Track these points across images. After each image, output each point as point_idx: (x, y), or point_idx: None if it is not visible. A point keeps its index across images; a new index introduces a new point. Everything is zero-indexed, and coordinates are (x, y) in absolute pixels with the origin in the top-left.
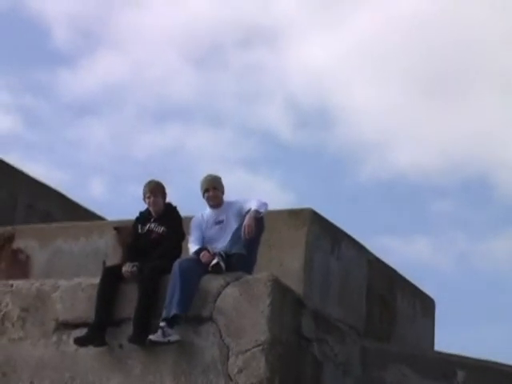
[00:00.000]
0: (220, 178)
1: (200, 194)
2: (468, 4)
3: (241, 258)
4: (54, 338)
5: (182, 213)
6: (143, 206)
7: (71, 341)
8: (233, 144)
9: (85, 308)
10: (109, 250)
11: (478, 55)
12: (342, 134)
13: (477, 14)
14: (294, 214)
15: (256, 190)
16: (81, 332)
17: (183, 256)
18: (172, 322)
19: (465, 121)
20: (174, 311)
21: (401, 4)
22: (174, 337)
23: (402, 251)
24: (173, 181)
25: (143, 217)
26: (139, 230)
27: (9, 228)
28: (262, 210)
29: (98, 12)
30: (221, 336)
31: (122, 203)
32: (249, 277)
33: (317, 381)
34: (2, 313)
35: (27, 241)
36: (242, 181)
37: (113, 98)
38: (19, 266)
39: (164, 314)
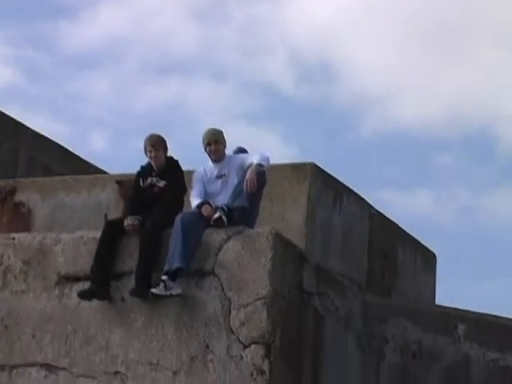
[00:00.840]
0: (222, 132)
1: (202, 147)
2: None
3: (243, 211)
4: (56, 292)
5: (184, 167)
6: (145, 160)
7: (73, 294)
8: (235, 97)
9: (87, 261)
10: (111, 203)
11: (483, 7)
12: (345, 87)
13: None
14: (296, 168)
15: (258, 144)
16: (83, 285)
17: (185, 210)
18: (174, 275)
19: (468, 73)
20: (176, 264)
21: None
22: (176, 290)
23: (404, 204)
24: (175, 134)
25: (145, 171)
26: (141, 184)
27: (10, 181)
28: (264, 164)
29: None
30: (223, 289)
31: (123, 157)
32: (251, 231)
33: (318, 334)
34: (4, 265)
35: (29, 194)
36: (244, 134)
37: (114, 51)
38: (21, 219)
39: (166, 268)
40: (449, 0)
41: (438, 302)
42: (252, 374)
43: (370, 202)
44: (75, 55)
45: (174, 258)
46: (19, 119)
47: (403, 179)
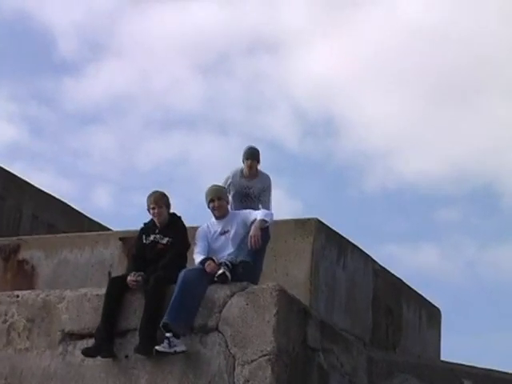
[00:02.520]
0: (225, 188)
1: (205, 203)
2: (477, 15)
3: (247, 266)
4: (60, 349)
5: (188, 222)
6: (148, 217)
7: (77, 351)
8: (239, 153)
9: (91, 318)
10: (114, 260)
11: (488, 65)
12: (349, 143)
13: (486, 24)
14: (300, 224)
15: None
16: (87, 343)
17: (189, 266)
18: (177, 331)
19: (472, 130)
20: (164, 320)
21: (407, 13)
22: (180, 347)
23: (409, 259)
24: (178, 190)
25: (148, 227)
26: (144, 241)
27: (14, 239)
28: (267, 220)
29: (103, 22)
30: (227, 346)
31: (127, 213)
32: (255, 287)
33: None
34: (8, 323)
35: (33, 251)
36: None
37: (118, 107)
38: (25, 277)
39: (165, 323)
40: (454, 58)
41: (443, 357)
42: None
43: (374, 258)
44: (79, 111)
45: (167, 316)
46: (23, 176)
47: (408, 233)
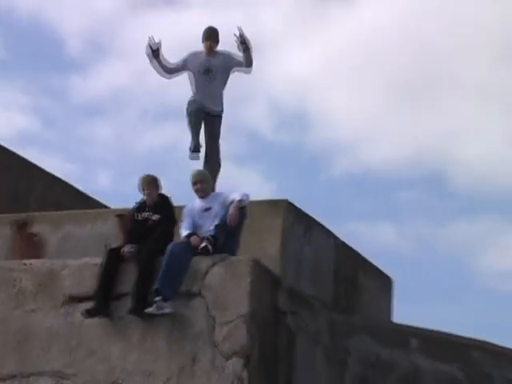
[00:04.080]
0: (207, 173)
1: (189, 184)
2: (437, 16)
3: (225, 242)
4: (63, 311)
5: (178, 202)
6: (140, 196)
7: (77, 313)
8: (222, 142)
9: (90, 284)
10: (111, 234)
11: (445, 63)
12: (319, 133)
13: (446, 26)
14: (272, 204)
15: (243, 181)
16: (86, 305)
17: (176, 240)
18: (165, 296)
19: (427, 121)
20: (155, 286)
21: (371, 16)
22: (167, 310)
23: (369, 236)
24: (170, 173)
25: (140, 206)
26: (137, 218)
27: (24, 215)
28: (244, 200)
29: (106, 25)
30: (208, 309)
31: (124, 193)
32: (233, 258)
33: (291, 349)
34: (18, 288)
35: (41, 226)
36: (230, 173)
37: (118, 101)
38: (34, 248)
39: (155, 289)
40: (414, 56)
41: (394, 320)
42: (233, 383)
43: (337, 234)
44: (84, 104)
45: (158, 282)
46: (34, 161)
47: (368, 214)
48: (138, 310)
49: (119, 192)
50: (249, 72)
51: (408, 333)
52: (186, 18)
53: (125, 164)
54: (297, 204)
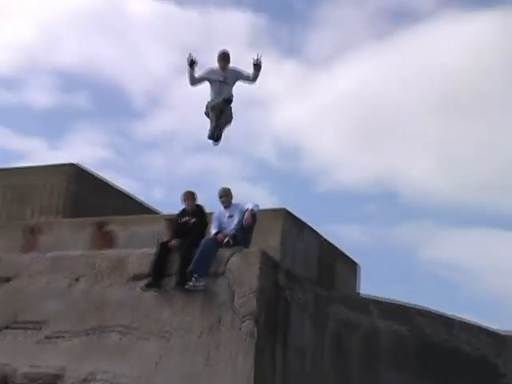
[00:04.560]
0: (229, 189)
1: (217, 198)
2: (390, 80)
3: (241, 238)
4: (128, 286)
5: (209, 209)
6: (182, 206)
7: (138, 287)
8: (240, 168)
9: (147, 267)
10: (162, 232)
11: (393, 113)
12: (309, 162)
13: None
14: (274, 212)
15: (254, 196)
16: (144, 282)
17: (206, 236)
18: (199, 275)
19: (382, 156)
20: (190, 268)
21: (345, 83)
22: (200, 285)
23: (345, 236)
24: (203, 190)
25: (182, 212)
26: (180, 221)
27: (102, 218)
28: (255, 209)
29: (160, 84)
30: (229, 285)
31: (171, 203)
32: (247, 250)
33: (287, 314)
34: (97, 269)
35: (114, 226)
36: (245, 190)
37: (167, 139)
38: (109, 242)
39: (191, 270)
40: (371, 111)
41: (360, 294)
42: (246, 337)
43: (320, 233)
44: (144, 141)
45: (193, 266)
46: (111, 180)
47: (344, 219)
48: (181, 285)
49: (168, 203)
50: (253, 84)
51: (370, 302)
52: None
53: (172, 183)
54: (292, 212)
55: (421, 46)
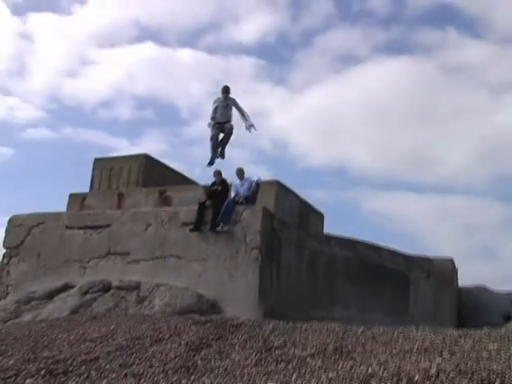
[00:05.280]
0: (242, 168)
1: (234, 174)
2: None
3: (250, 199)
4: (180, 230)
5: (229, 181)
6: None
7: (187, 230)
8: (248, 155)
9: (192, 217)
10: (201, 196)
11: (344, 121)
12: (292, 151)
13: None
14: (270, 183)
15: (257, 172)
16: (190, 227)
17: (228, 198)
18: (224, 223)
19: (338, 147)
20: (219, 218)
21: (316, 101)
22: (225, 229)
23: (317, 196)
24: (227, 169)
25: (213, 183)
26: (212, 189)
27: (162, 187)
28: (259, 181)
29: (199, 101)
30: (243, 228)
31: (207, 178)
32: (253, 206)
33: (279, 246)
34: (160, 219)
35: (171, 192)
36: (252, 169)
37: (202, 139)
38: (167, 202)
39: (219, 219)
40: (339, 118)
41: (325, 232)
42: (254, 261)
43: (302, 196)
44: (188, 139)
45: (220, 216)
46: (166, 163)
47: (314, 186)
48: (213, 229)
49: (204, 177)
50: (246, 123)
51: (330, 238)
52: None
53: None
54: (282, 182)
55: (360, 79)
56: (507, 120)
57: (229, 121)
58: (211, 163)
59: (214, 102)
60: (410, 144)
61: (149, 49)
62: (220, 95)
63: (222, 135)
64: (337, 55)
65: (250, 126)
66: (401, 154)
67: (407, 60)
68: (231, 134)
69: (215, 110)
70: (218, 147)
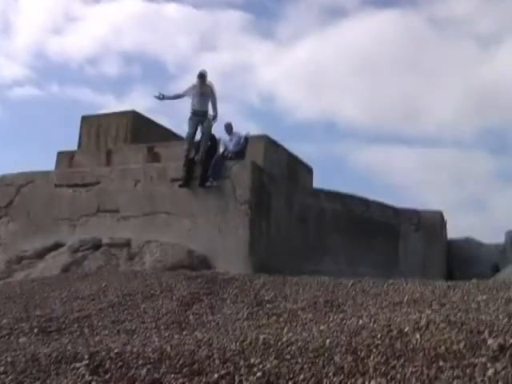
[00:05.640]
0: (231, 123)
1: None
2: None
3: (239, 154)
4: (169, 185)
5: (217, 136)
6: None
7: (176, 185)
8: (236, 109)
9: (180, 173)
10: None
11: (331, 73)
12: (280, 104)
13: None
14: (259, 137)
15: (246, 127)
16: (179, 183)
17: (217, 154)
18: (213, 178)
19: (326, 99)
20: (209, 173)
21: (306, 54)
22: (215, 184)
23: (306, 150)
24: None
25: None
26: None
27: (151, 143)
28: (247, 135)
29: (186, 56)
30: (232, 183)
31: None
32: (242, 161)
33: (269, 200)
34: (149, 176)
35: (159, 149)
36: (240, 123)
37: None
38: (156, 159)
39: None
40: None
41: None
42: (243, 216)
43: (289, 150)
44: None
45: (209, 172)
46: (154, 120)
47: (302, 139)
48: (202, 184)
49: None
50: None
51: (319, 192)
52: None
53: None
54: (270, 136)
55: (348, 31)
56: (495, 72)
57: (206, 111)
58: (184, 185)
59: (189, 89)
60: (398, 96)
61: (135, 4)
62: (193, 84)
63: (199, 131)
64: (324, 8)
65: (213, 118)
66: (388, 107)
67: (395, 13)
68: (210, 131)
69: (192, 99)
70: (193, 152)
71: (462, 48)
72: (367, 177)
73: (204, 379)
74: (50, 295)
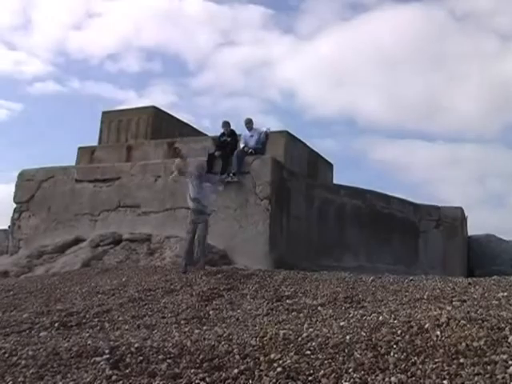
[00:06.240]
0: (251, 119)
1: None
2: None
3: (260, 150)
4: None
5: (238, 132)
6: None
7: (182, 178)
8: (257, 105)
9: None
10: (210, 147)
11: (353, 69)
12: (301, 100)
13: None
14: (280, 133)
15: (267, 122)
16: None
17: (238, 149)
18: (234, 173)
19: (347, 96)
20: (232, 170)
21: (325, 49)
22: (235, 179)
23: (327, 146)
24: (236, 120)
25: (222, 134)
26: (220, 140)
27: (171, 139)
28: (268, 131)
29: (206, 52)
30: (253, 178)
31: (215, 129)
32: (263, 156)
33: (289, 196)
34: (169, 171)
35: (179, 144)
36: (261, 119)
37: (211, 89)
38: (176, 154)
39: (229, 170)
40: (345, 65)
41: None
42: (264, 211)
43: (309, 145)
44: (196, 90)
45: (230, 167)
46: (175, 115)
47: (322, 135)
48: (223, 179)
49: (213, 129)
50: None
51: (339, 187)
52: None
53: (215, 116)
54: (291, 132)
55: (369, 26)
56: None
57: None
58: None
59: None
60: (419, 92)
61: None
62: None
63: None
64: (345, 3)
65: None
66: (410, 102)
67: (417, 7)
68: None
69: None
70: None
71: (483, 43)
72: (388, 173)
73: (224, 374)
74: (70, 290)
